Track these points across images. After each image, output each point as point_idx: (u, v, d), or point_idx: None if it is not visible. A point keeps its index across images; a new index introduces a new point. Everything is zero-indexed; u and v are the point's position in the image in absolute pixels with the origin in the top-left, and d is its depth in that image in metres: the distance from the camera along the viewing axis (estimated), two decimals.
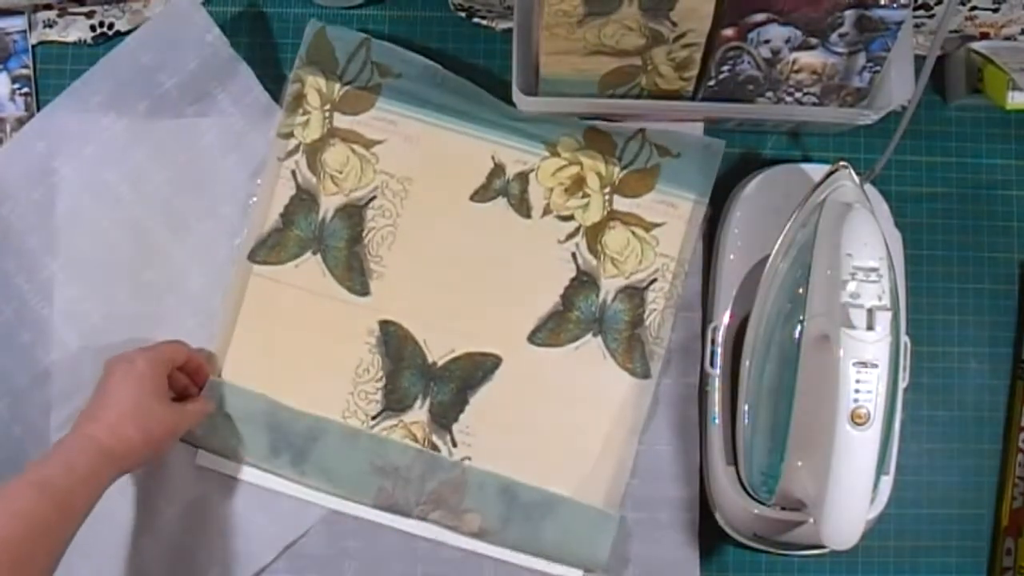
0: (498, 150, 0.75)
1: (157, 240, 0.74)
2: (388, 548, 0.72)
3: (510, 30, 0.73)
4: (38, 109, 0.76)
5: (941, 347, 0.77)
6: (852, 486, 0.57)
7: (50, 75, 0.77)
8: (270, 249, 0.74)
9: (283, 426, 0.72)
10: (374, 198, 0.74)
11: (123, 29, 0.77)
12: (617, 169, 0.74)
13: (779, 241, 0.68)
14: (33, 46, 0.77)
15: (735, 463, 0.70)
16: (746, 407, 0.69)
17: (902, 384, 0.68)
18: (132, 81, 0.73)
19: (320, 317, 0.73)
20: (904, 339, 0.68)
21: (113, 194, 0.74)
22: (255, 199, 0.74)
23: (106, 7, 0.77)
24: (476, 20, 0.77)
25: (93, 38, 0.77)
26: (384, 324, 0.73)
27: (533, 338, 0.74)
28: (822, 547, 0.62)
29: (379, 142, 0.74)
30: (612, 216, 0.74)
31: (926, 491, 0.76)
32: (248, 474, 0.72)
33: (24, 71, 0.77)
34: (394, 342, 0.73)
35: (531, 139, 0.74)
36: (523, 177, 0.74)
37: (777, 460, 0.65)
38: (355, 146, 0.74)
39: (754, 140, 0.78)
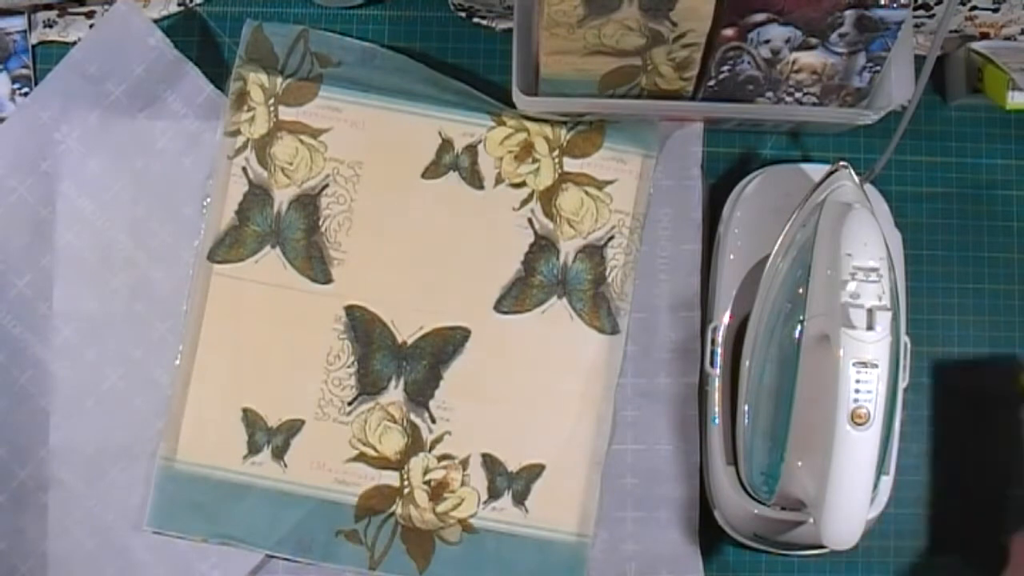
0: (444, 125, 0.75)
1: (121, 248, 0.74)
2: None
3: (510, 30, 0.73)
4: None
5: (941, 347, 0.77)
6: (852, 486, 0.57)
7: None
8: (228, 247, 0.74)
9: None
10: (327, 186, 0.74)
11: None
12: (564, 131, 0.75)
13: (779, 241, 0.68)
14: (33, 46, 0.77)
15: (735, 463, 0.70)
16: (746, 407, 0.69)
17: (902, 384, 0.68)
18: (80, 93, 0.73)
19: (285, 310, 0.73)
20: (904, 339, 0.68)
21: (72, 207, 0.74)
22: (209, 199, 0.74)
23: (106, 7, 0.77)
24: (476, 20, 0.77)
25: None
26: (350, 309, 0.74)
27: (499, 307, 0.74)
28: (822, 547, 0.62)
29: (326, 130, 0.75)
30: (564, 178, 0.75)
31: (926, 491, 0.76)
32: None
33: (24, 71, 0.77)
34: (361, 326, 0.74)
35: (476, 111, 0.75)
36: (472, 149, 0.75)
37: (777, 460, 0.65)
38: (302, 137, 0.74)
39: (754, 140, 0.78)
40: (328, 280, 0.74)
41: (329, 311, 0.74)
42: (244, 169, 0.74)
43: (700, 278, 0.74)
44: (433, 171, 0.75)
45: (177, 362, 0.73)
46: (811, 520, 0.66)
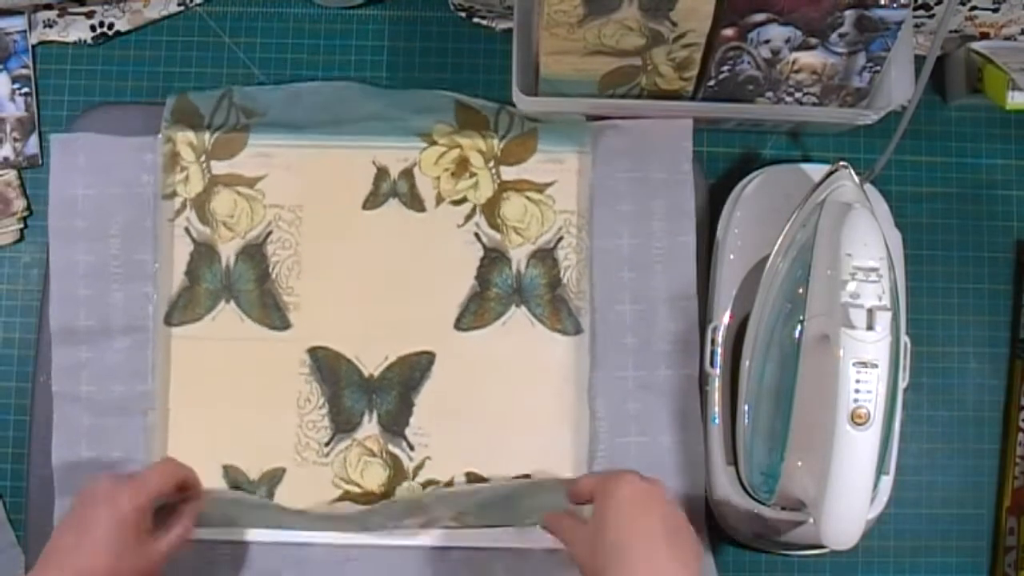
0: (377, 154, 0.75)
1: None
2: (392, 552, 0.72)
3: (510, 30, 0.73)
4: (38, 109, 0.76)
5: (941, 347, 0.77)
6: (852, 486, 0.57)
7: (50, 75, 0.77)
8: (183, 309, 0.74)
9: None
10: (271, 233, 0.74)
11: (123, 29, 0.77)
12: (496, 141, 0.75)
13: (779, 241, 0.68)
14: (33, 46, 0.77)
15: (735, 463, 0.70)
16: (746, 407, 0.69)
17: (902, 384, 0.68)
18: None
19: (249, 362, 0.73)
20: (904, 339, 0.68)
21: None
22: (157, 264, 0.74)
23: (106, 7, 0.77)
24: (476, 20, 0.77)
25: (93, 38, 0.77)
26: (312, 351, 0.73)
27: (459, 325, 0.74)
28: (822, 547, 0.62)
29: (261, 178, 0.74)
30: (504, 187, 0.75)
31: (926, 491, 0.76)
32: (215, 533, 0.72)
33: (24, 71, 0.77)
34: (327, 366, 0.73)
35: (406, 134, 0.75)
36: (408, 173, 0.75)
37: (777, 460, 0.65)
38: (239, 188, 0.74)
39: (754, 140, 0.78)
40: (287, 326, 0.74)
41: (293, 356, 0.73)
42: (187, 229, 0.74)
43: (697, 268, 0.74)
44: (373, 201, 0.75)
45: (151, 420, 0.72)
46: (811, 520, 0.66)
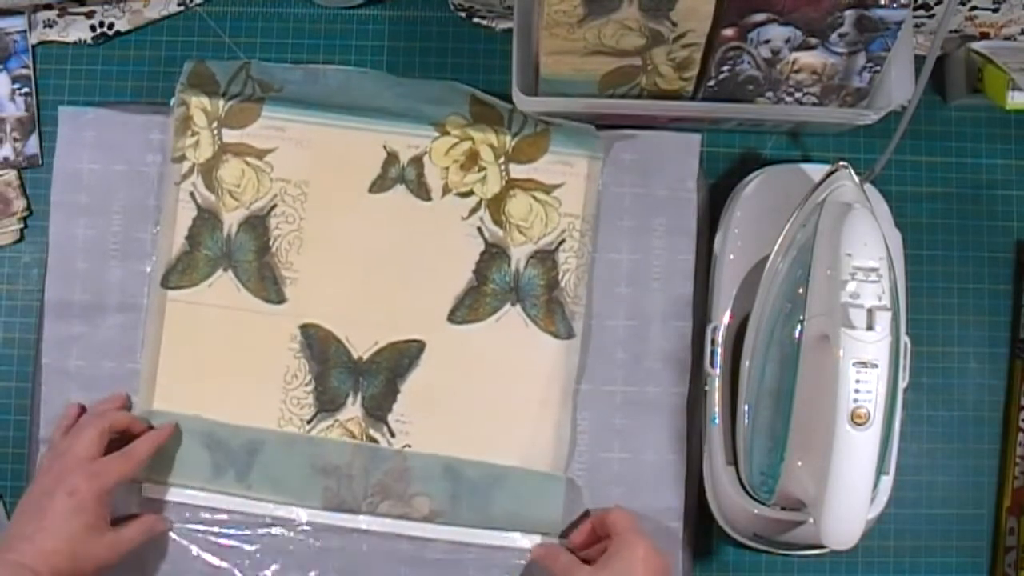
0: (389, 139, 0.75)
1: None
2: (370, 549, 0.72)
3: (510, 30, 0.73)
4: (38, 109, 0.76)
5: (941, 347, 0.77)
6: (852, 486, 0.57)
7: (50, 75, 0.77)
8: (181, 273, 0.74)
9: (222, 444, 0.72)
10: (275, 206, 0.74)
11: (123, 29, 0.77)
12: (508, 138, 0.75)
13: (779, 241, 0.68)
14: (33, 46, 0.77)
15: (735, 463, 0.70)
16: (746, 407, 0.69)
17: (902, 384, 0.68)
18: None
19: (241, 332, 0.73)
20: (904, 339, 0.68)
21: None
22: (159, 227, 0.74)
23: (106, 7, 0.77)
24: (476, 20, 0.77)
25: (93, 38, 0.77)
26: (305, 328, 0.74)
27: (453, 317, 0.74)
28: (822, 547, 0.62)
29: (271, 151, 0.74)
30: (511, 185, 0.75)
31: (926, 491, 0.76)
32: (196, 498, 0.72)
33: (24, 71, 0.77)
34: (317, 344, 0.73)
35: (419, 122, 0.75)
36: (417, 161, 0.75)
37: (777, 460, 0.65)
38: (248, 158, 0.74)
39: (754, 140, 0.78)
40: (281, 300, 0.74)
41: (284, 331, 0.74)
42: (192, 194, 0.74)
43: (693, 289, 0.74)
44: (380, 185, 0.75)
45: (137, 391, 0.73)
46: (811, 520, 0.66)
